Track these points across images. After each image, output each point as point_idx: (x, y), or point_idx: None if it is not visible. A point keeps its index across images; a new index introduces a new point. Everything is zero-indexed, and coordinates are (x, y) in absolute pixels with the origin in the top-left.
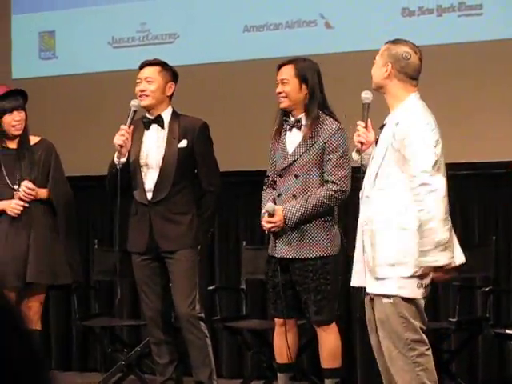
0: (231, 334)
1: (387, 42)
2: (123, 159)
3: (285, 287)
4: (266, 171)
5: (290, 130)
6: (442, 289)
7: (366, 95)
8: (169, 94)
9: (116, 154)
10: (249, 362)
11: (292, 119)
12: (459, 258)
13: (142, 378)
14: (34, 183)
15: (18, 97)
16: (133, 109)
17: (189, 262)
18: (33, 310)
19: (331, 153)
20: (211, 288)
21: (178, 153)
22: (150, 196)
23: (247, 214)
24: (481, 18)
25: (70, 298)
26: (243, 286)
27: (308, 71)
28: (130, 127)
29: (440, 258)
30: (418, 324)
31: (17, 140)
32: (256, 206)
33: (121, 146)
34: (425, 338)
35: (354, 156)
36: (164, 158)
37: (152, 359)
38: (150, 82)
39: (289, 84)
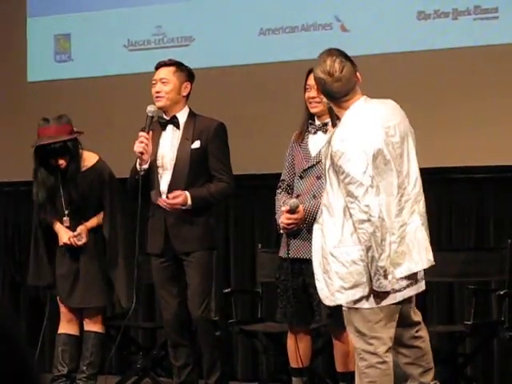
0: (246, 337)
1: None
2: (145, 166)
3: (297, 291)
4: (281, 174)
5: (315, 133)
6: (457, 292)
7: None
8: (185, 94)
9: (137, 161)
10: (264, 365)
11: (318, 123)
12: (420, 263)
13: (157, 381)
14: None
15: (56, 147)
16: (149, 115)
17: (205, 263)
18: (87, 315)
19: None
20: (227, 291)
21: (191, 153)
22: (164, 197)
23: (263, 216)
24: (496, 21)
25: None
26: (259, 289)
27: None
28: (148, 133)
29: (383, 285)
30: (372, 334)
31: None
32: (272, 209)
33: (141, 154)
34: (379, 350)
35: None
36: (177, 159)
37: (168, 362)
38: (165, 83)
39: None
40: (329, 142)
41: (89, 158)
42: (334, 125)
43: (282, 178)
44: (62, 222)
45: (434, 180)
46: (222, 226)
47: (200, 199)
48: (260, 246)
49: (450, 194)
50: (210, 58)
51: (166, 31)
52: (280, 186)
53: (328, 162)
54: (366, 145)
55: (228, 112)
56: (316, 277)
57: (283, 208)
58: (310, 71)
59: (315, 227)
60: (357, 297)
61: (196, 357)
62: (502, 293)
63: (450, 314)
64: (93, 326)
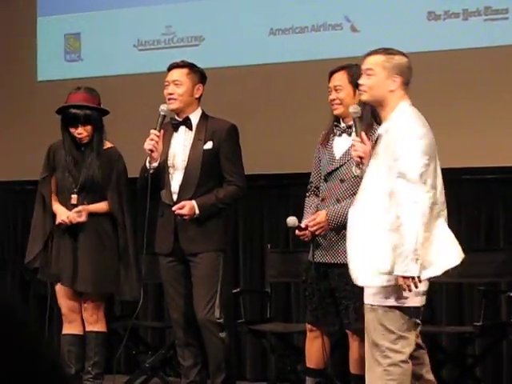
0: (255, 337)
1: (377, 52)
2: (155, 164)
3: (324, 294)
4: (291, 174)
5: (340, 135)
6: (466, 293)
7: (355, 110)
8: (197, 95)
9: (147, 159)
10: (273, 365)
11: (343, 125)
12: (450, 261)
13: (165, 380)
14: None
15: (81, 111)
16: (162, 113)
17: (211, 265)
18: (87, 312)
19: None
20: (236, 291)
21: (203, 154)
22: (175, 197)
23: (272, 216)
24: (507, 22)
25: None
26: (268, 289)
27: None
28: (159, 132)
29: (411, 269)
30: (400, 333)
31: (89, 146)
32: (281, 208)
33: (151, 151)
34: (405, 350)
35: (355, 171)
36: (189, 160)
37: (176, 362)
38: (178, 85)
39: (343, 90)
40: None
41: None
42: (358, 134)
43: (310, 180)
44: (69, 200)
45: (444, 181)
46: (231, 226)
47: (208, 206)
48: (269, 245)
49: (460, 195)
50: (220, 57)
51: (175, 31)
52: (309, 189)
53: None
54: (425, 139)
55: (236, 112)
56: (349, 256)
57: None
58: (331, 73)
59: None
60: (391, 283)
61: (204, 357)
62: (511, 294)
63: (460, 314)
64: (94, 326)
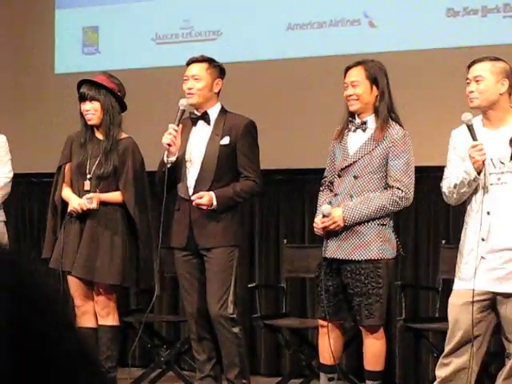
0: (270, 331)
1: (484, 59)
2: (172, 158)
3: (336, 290)
4: (307, 170)
5: (355, 131)
6: None
7: (468, 117)
8: (216, 90)
9: (165, 153)
10: (287, 360)
11: (358, 120)
12: None
13: (180, 374)
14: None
15: (92, 87)
16: (181, 108)
17: (225, 260)
18: (99, 305)
19: (396, 158)
20: (251, 286)
21: (220, 150)
22: (191, 192)
23: (288, 211)
24: None
25: None
26: (283, 284)
27: (378, 72)
28: (178, 126)
29: None
30: None
31: (102, 131)
32: (297, 203)
33: (169, 145)
34: None
35: (473, 173)
36: (205, 155)
37: (191, 356)
38: (197, 79)
39: (360, 86)
40: None
41: (120, 133)
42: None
43: (324, 174)
44: (83, 186)
45: None
46: (247, 221)
47: (225, 199)
48: (285, 240)
49: None
50: (237, 52)
51: (193, 25)
52: (323, 184)
53: None
54: None
55: (253, 106)
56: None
57: (319, 215)
58: (348, 69)
59: None
60: None
61: (218, 351)
62: None
63: None
64: (106, 320)
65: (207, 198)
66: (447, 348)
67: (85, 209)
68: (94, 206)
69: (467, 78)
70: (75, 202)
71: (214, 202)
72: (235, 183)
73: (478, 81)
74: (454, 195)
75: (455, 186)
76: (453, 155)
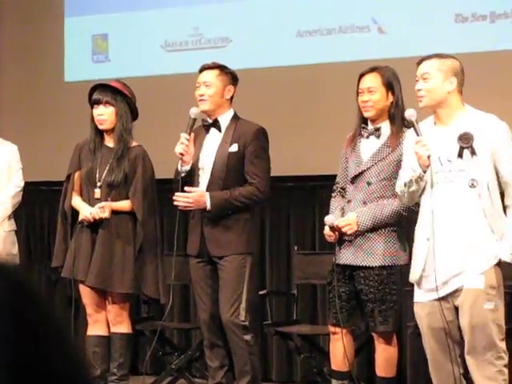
0: (282, 338)
1: (432, 57)
2: (187, 167)
3: (349, 297)
4: (318, 176)
5: (368, 137)
6: None
7: (410, 113)
8: (228, 97)
9: (179, 162)
10: (298, 367)
11: (371, 127)
12: None
13: (192, 381)
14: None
15: (107, 92)
16: (192, 116)
17: (237, 268)
18: (111, 314)
19: None
20: (262, 293)
21: (228, 157)
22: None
23: (298, 218)
24: None
25: None
26: (294, 291)
27: (393, 78)
28: (189, 135)
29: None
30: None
31: (113, 138)
32: (308, 210)
33: (182, 155)
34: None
35: (418, 170)
36: (215, 162)
37: (202, 363)
38: (209, 86)
39: (376, 92)
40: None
41: (131, 141)
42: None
43: (336, 180)
44: (93, 194)
45: None
46: (257, 228)
47: (220, 200)
48: (296, 247)
49: None
50: (247, 59)
51: (203, 32)
52: (335, 190)
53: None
54: None
55: (263, 113)
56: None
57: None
58: (362, 75)
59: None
60: None
61: (230, 359)
62: None
63: None
64: (119, 328)
65: (198, 193)
66: None
67: (97, 218)
68: (106, 215)
69: (416, 76)
70: (87, 211)
71: (208, 202)
72: (235, 187)
73: (425, 79)
74: (406, 194)
75: (405, 185)
76: (405, 156)
